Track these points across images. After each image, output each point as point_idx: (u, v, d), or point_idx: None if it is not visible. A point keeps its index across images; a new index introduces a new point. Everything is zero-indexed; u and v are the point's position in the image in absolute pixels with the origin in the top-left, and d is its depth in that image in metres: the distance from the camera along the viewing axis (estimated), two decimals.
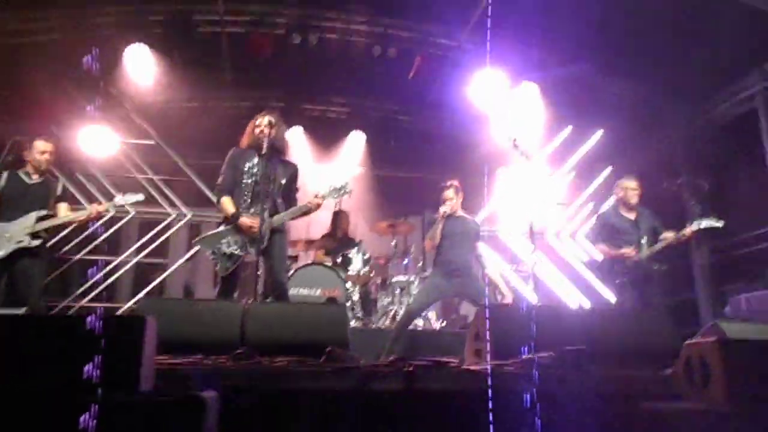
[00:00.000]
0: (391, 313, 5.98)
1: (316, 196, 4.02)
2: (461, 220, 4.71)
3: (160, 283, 6.67)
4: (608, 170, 7.79)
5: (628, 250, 4.77)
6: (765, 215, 6.16)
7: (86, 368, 1.70)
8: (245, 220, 3.79)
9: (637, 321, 3.25)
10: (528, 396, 2.07)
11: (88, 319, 1.79)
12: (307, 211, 4.02)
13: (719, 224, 4.71)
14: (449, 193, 4.69)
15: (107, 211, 4.81)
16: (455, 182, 4.75)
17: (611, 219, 5.05)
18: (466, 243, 4.62)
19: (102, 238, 6.50)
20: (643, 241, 4.83)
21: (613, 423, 2.04)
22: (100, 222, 6.30)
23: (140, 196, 4.84)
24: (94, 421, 1.57)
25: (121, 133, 6.64)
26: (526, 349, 2.66)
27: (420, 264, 6.39)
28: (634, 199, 5.00)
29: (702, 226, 4.69)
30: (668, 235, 4.79)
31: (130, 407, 1.72)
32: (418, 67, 6.90)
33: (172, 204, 6.97)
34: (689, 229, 4.70)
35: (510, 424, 2.00)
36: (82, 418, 1.56)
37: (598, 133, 7.65)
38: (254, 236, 3.74)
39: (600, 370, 2.42)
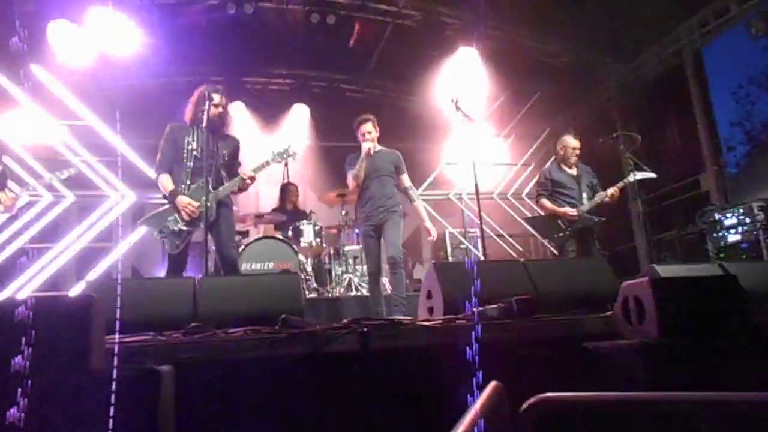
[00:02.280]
0: (345, 282, 6.04)
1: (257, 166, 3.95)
2: (382, 155, 4.54)
3: (107, 267, 6.48)
4: (546, 132, 8.02)
5: (569, 210, 4.94)
6: (692, 164, 6.51)
7: (22, 354, 1.66)
8: (182, 200, 3.71)
9: (579, 270, 3.40)
10: (477, 345, 2.16)
11: (22, 304, 1.74)
12: (245, 184, 3.90)
13: (652, 175, 4.94)
14: (368, 126, 4.48)
15: (15, 198, 4.43)
16: (370, 115, 4.58)
17: (553, 175, 5.20)
18: (390, 178, 4.49)
19: (40, 225, 6.24)
20: (584, 195, 5.02)
21: (558, 362, 2.16)
22: (35, 209, 6.05)
23: (71, 171, 4.63)
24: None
25: (52, 114, 6.32)
26: (475, 302, 2.75)
27: None
28: (574, 158, 5.14)
29: (636, 178, 4.92)
30: (602, 194, 4.98)
31: (81, 387, 1.70)
32: (358, 34, 6.83)
33: (114, 186, 6.73)
34: (616, 188, 4.91)
35: (462, 373, 2.08)
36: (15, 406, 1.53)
37: (536, 96, 7.82)
38: (192, 216, 3.69)
39: (545, 317, 2.54)
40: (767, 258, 4.99)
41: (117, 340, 2.26)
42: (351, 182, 4.47)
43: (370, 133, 4.46)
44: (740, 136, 6.80)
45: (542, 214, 5.34)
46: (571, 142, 5.16)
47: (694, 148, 6.49)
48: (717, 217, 5.55)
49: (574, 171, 5.16)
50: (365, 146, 4.41)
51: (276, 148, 4.09)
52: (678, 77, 6.61)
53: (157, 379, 1.88)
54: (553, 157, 5.59)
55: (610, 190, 4.90)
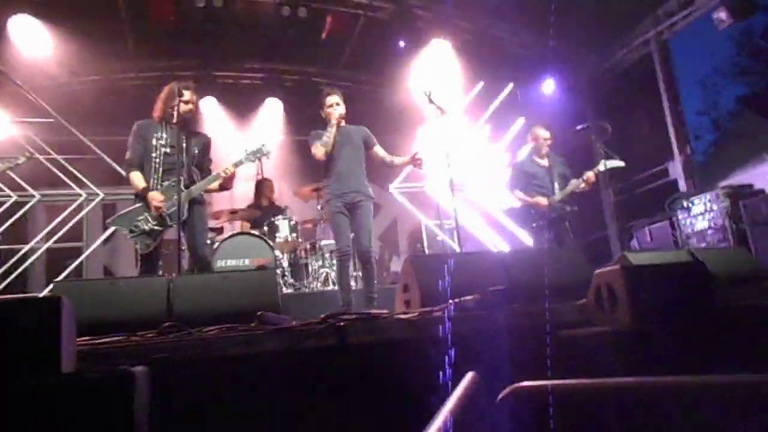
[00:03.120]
0: (322, 276, 6.02)
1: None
2: (351, 128, 4.36)
3: (78, 267, 6.34)
4: (521, 121, 8.08)
5: (541, 199, 5.01)
6: (661, 153, 6.65)
7: None
8: (153, 195, 3.64)
9: (553, 259, 3.44)
10: (454, 337, 2.17)
11: None
12: (224, 182, 3.86)
13: (621, 164, 5.02)
14: (335, 97, 4.27)
15: None
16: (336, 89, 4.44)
17: (526, 167, 5.25)
18: (360, 152, 4.33)
19: (5, 226, 6.07)
20: (556, 185, 5.09)
21: (534, 351, 2.18)
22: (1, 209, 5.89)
23: (22, 158, 4.52)
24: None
25: (15, 112, 6.15)
26: (451, 294, 2.77)
27: None
28: (545, 148, 5.20)
29: (606, 168, 5.00)
30: (576, 181, 5.05)
31: (52, 389, 1.66)
32: (330, 27, 6.79)
33: (82, 184, 6.58)
34: (592, 173, 4.97)
35: (439, 364, 2.10)
36: None
37: (509, 87, 7.87)
38: (164, 212, 3.64)
39: (520, 307, 2.57)
40: (733, 243, 5.13)
41: (89, 342, 2.22)
42: (318, 150, 4.18)
43: (338, 104, 4.26)
44: (707, 124, 6.98)
45: (517, 204, 5.39)
46: (542, 132, 5.21)
47: (663, 138, 6.63)
48: (685, 205, 5.68)
49: (546, 161, 5.22)
50: (335, 115, 4.21)
51: (249, 147, 4.03)
52: (647, 68, 6.74)
53: (130, 380, 1.85)
54: (525, 148, 5.64)
55: (586, 175, 4.93)
